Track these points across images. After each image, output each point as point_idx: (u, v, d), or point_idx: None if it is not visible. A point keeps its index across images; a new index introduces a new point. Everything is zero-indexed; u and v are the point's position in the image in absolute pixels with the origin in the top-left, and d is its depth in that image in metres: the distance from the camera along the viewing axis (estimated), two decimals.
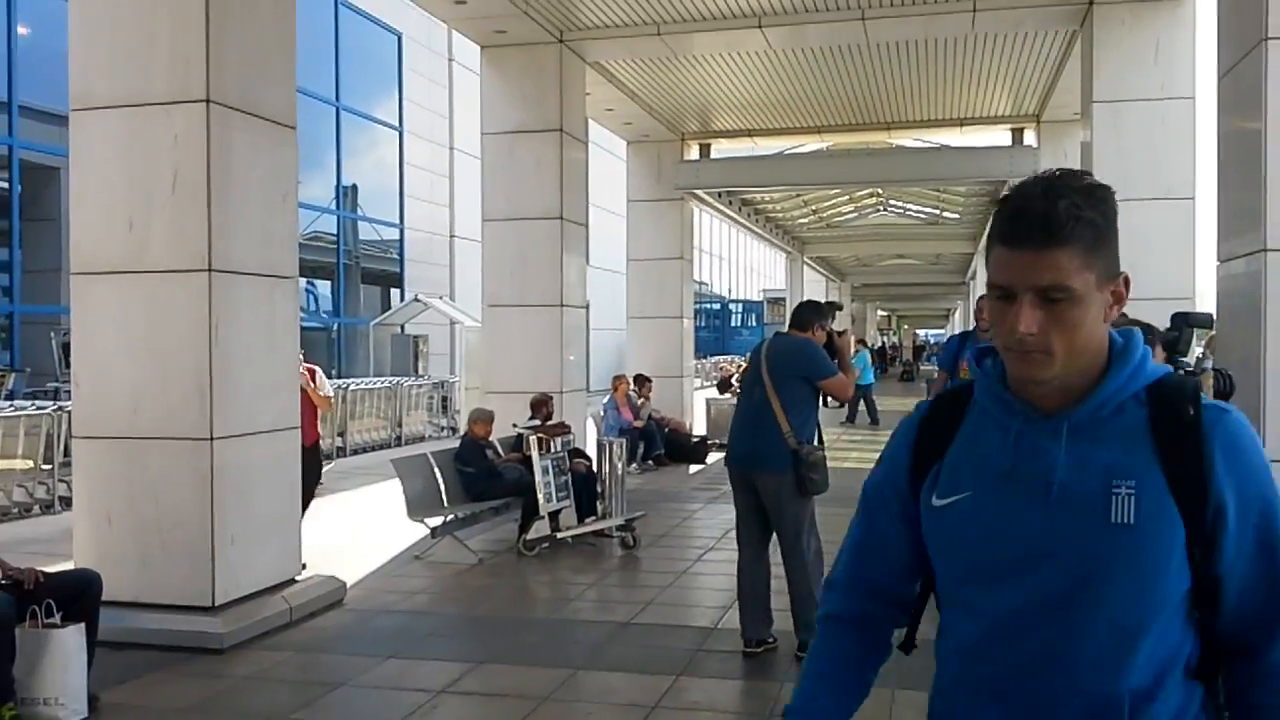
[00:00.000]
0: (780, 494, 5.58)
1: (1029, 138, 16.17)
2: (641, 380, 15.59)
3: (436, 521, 8.33)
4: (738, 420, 5.96)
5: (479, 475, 8.80)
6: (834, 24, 11.04)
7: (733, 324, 52.96)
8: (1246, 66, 5.10)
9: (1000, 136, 16.68)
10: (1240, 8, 5.28)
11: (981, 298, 7.68)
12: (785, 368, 5.72)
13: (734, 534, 5.97)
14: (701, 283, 50.84)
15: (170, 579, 6.04)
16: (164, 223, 6.06)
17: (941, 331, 67.16)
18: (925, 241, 29.96)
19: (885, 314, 74.61)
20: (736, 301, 55.85)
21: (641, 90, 14.28)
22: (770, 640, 5.78)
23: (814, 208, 24.13)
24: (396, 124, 22.76)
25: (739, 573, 5.82)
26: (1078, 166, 11.17)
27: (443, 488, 8.62)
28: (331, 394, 7.69)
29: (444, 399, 18.52)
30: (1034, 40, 12.15)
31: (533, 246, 11.40)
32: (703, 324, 50.45)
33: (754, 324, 49.97)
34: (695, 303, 47.53)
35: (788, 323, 6.09)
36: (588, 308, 28.54)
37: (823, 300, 6.98)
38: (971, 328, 7.73)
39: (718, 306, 53.73)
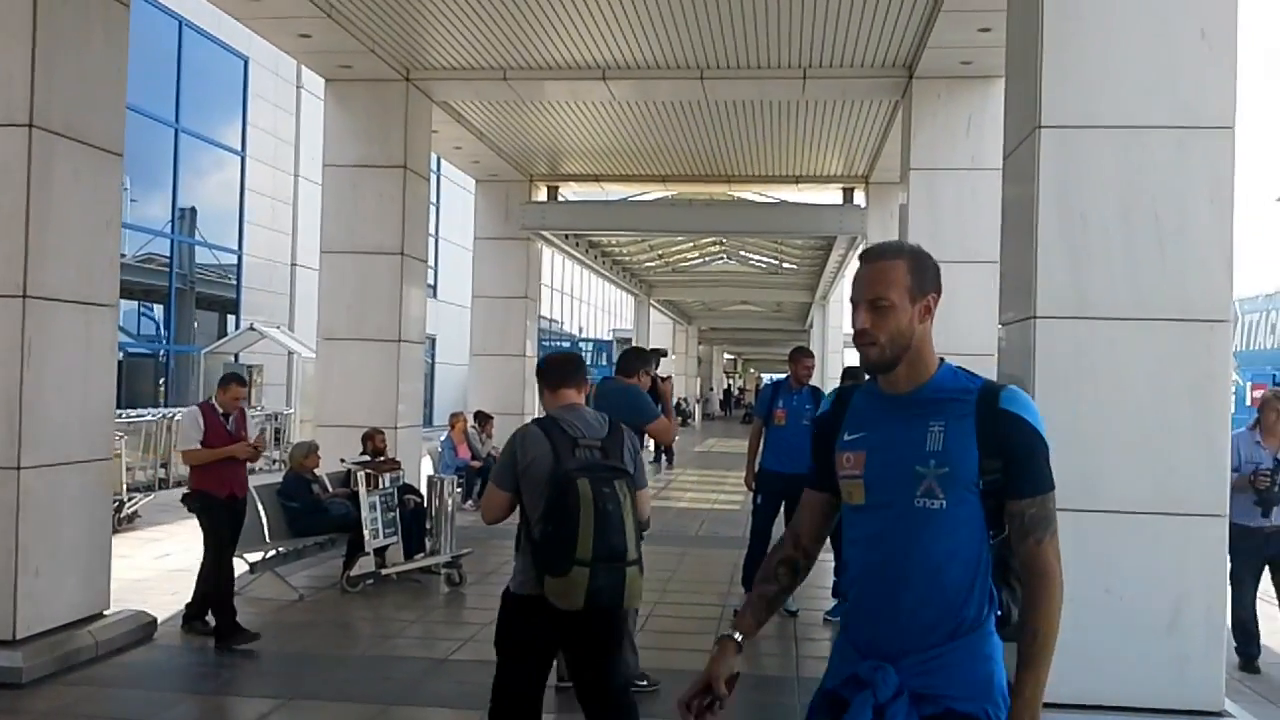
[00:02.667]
0: None
1: (859, 197, 17.03)
2: (483, 418, 15.66)
3: (256, 557, 8.23)
4: None
5: (303, 510, 8.73)
6: (675, 81, 11.49)
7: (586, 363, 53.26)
8: (1023, 150, 5.66)
9: (833, 195, 17.52)
10: (1020, 97, 5.85)
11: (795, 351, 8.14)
12: (612, 411, 5.97)
13: None
14: (552, 320, 51.11)
15: None
16: None
17: (785, 376, 68.60)
18: (767, 289, 30.98)
19: (732, 357, 76.45)
20: (587, 340, 56.27)
21: (489, 131, 14.47)
22: None
23: (660, 253, 24.71)
24: (239, 149, 22.29)
25: None
26: (898, 226, 11.93)
27: (265, 522, 8.51)
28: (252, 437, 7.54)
29: (277, 431, 18.12)
30: (862, 107, 12.91)
31: (372, 280, 11.39)
32: None
33: (604, 363, 50.50)
34: (545, 340, 47.76)
35: (615, 369, 6.36)
36: (433, 342, 28.10)
37: (648, 347, 7.30)
38: (784, 377, 8.16)
39: (568, 345, 54.04)
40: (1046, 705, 5.08)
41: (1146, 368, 5.25)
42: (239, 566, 8.28)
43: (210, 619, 6.94)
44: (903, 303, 2.31)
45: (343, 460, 9.32)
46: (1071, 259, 5.33)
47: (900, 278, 2.34)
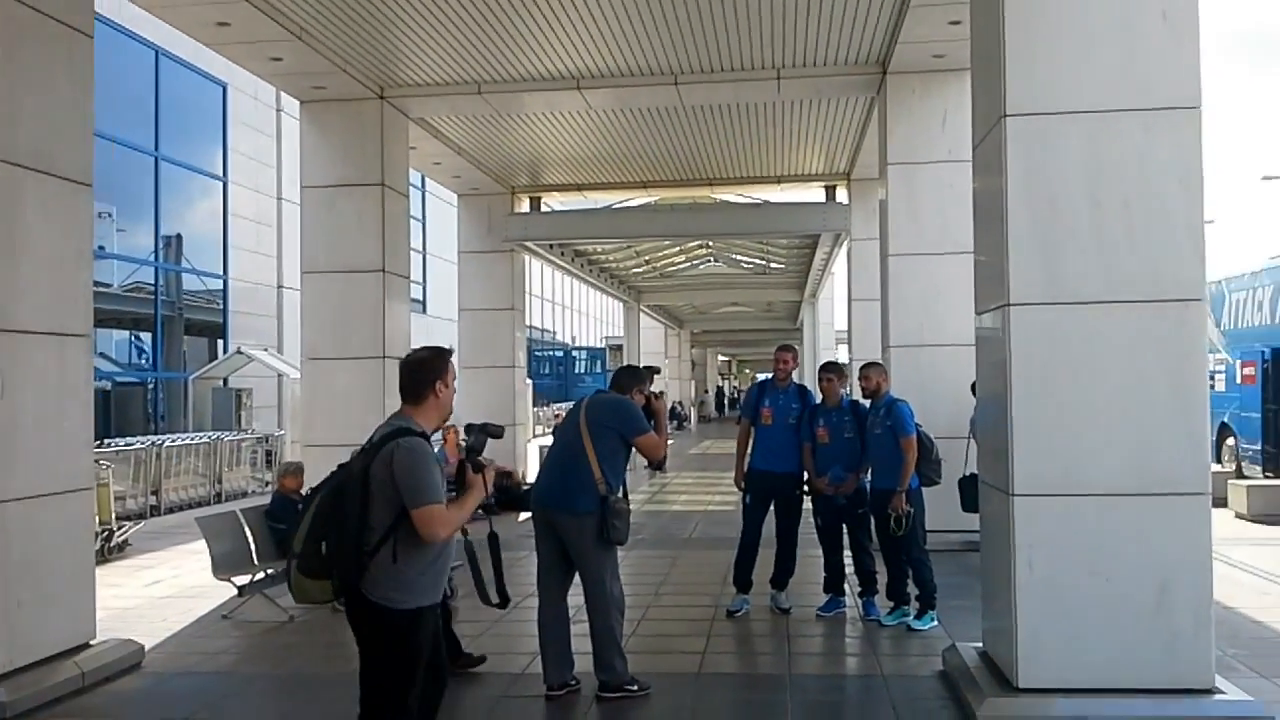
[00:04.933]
0: (584, 538, 5.77)
1: (841, 194, 17.05)
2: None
3: (245, 580, 8.19)
4: (548, 460, 6.15)
5: (291, 531, 8.67)
6: (650, 87, 11.50)
7: (576, 371, 53.29)
8: (990, 140, 5.66)
9: (815, 193, 17.54)
10: (985, 87, 5.85)
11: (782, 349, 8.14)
12: (602, 420, 5.95)
13: None
14: (545, 330, 51.13)
15: None
16: None
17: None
18: (756, 290, 30.95)
19: (726, 359, 76.43)
20: (580, 349, 56.26)
21: (468, 145, 14.47)
22: (573, 682, 5.95)
23: (647, 258, 24.69)
24: (220, 174, 22.27)
25: (540, 619, 5.98)
26: (879, 221, 11.92)
27: (253, 545, 8.48)
28: None
29: (269, 453, 18.07)
30: (839, 105, 12.92)
31: (355, 299, 11.38)
32: (546, 371, 50.65)
33: (598, 370, 50.43)
34: (537, 350, 47.79)
35: (610, 385, 6.34)
36: None
37: (641, 365, 7.32)
38: (769, 376, 8.15)
39: (560, 354, 54.00)
40: (1036, 691, 5.07)
41: (1121, 350, 5.24)
42: (227, 590, 8.27)
43: None
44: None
45: None
46: (1042, 245, 5.33)
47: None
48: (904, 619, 7.31)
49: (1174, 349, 5.21)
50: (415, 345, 14.75)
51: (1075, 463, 5.22)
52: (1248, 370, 16.29)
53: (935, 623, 7.23)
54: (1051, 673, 5.15)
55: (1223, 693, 5.04)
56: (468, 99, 11.71)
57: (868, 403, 7.68)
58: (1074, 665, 5.13)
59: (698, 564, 10.04)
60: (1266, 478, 14.97)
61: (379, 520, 3.76)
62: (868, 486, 7.59)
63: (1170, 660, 5.07)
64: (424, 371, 4.08)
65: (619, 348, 38.51)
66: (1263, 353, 15.90)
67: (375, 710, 3.96)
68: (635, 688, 5.86)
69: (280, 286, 23.40)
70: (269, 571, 8.48)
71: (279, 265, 23.37)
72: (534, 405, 35.34)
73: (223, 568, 8.18)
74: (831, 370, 7.89)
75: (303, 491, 9.09)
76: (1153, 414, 5.18)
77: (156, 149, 20.21)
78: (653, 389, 6.38)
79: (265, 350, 20.68)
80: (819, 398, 7.84)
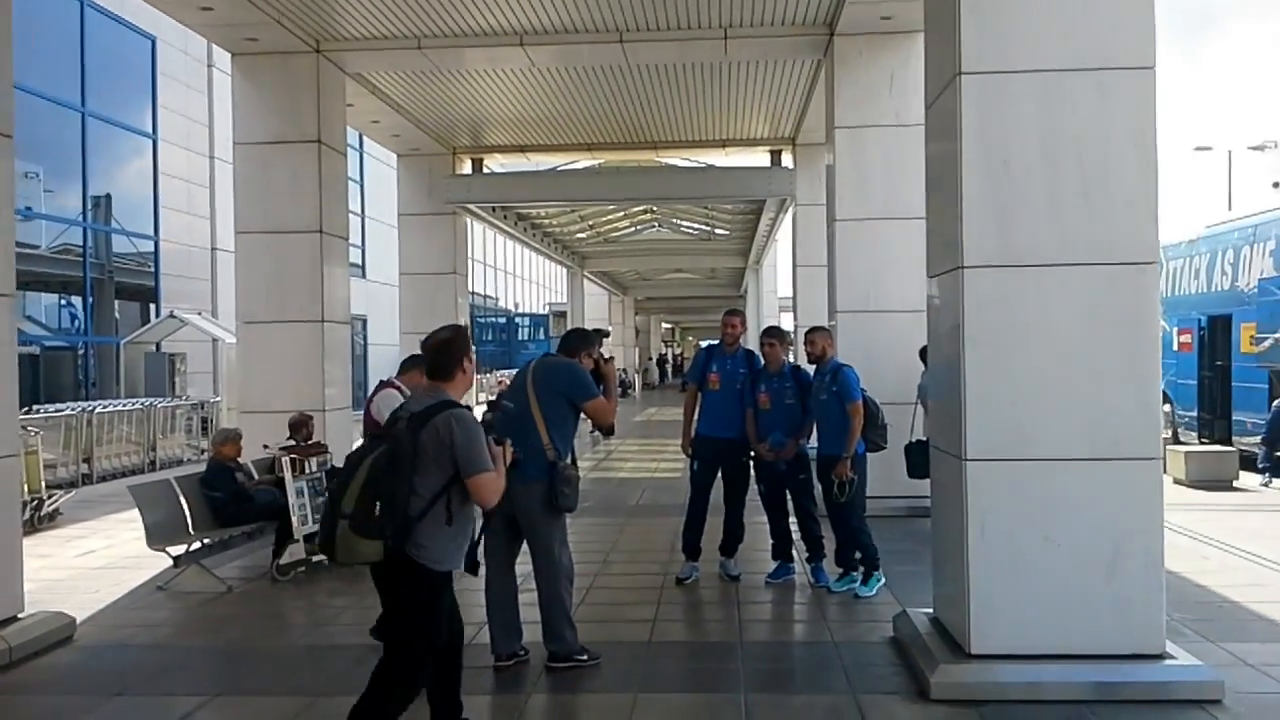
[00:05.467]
0: (532, 506, 5.63)
1: (786, 159, 16.96)
2: None
3: (180, 550, 7.95)
4: None
5: (227, 499, 8.44)
6: (595, 45, 11.26)
7: (520, 338, 52.85)
8: (944, 99, 5.56)
9: (761, 158, 17.44)
10: (939, 45, 5.74)
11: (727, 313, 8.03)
12: (550, 384, 5.79)
13: None
14: (487, 296, 50.61)
15: None
16: None
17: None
18: (700, 256, 30.90)
19: (670, 326, 76.46)
20: (523, 315, 55.78)
21: (408, 103, 14.11)
22: (521, 652, 5.84)
23: (591, 223, 24.48)
24: (150, 132, 21.55)
25: (487, 589, 5.84)
26: (825, 186, 11.84)
27: (188, 514, 8.23)
28: None
29: (204, 420, 17.65)
30: (785, 67, 12.78)
31: (291, 260, 11.08)
32: (489, 338, 50.18)
33: (542, 337, 50.06)
34: (480, 316, 47.26)
35: (558, 348, 6.17)
36: (364, 323, 27.68)
37: (591, 328, 7.14)
38: (717, 342, 8.03)
39: (503, 320, 53.51)
40: (989, 657, 5.06)
41: (1075, 313, 5.21)
42: (162, 561, 8.02)
43: None
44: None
45: (266, 447, 9.03)
46: (996, 207, 5.26)
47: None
48: (852, 585, 7.29)
49: (1128, 313, 5.18)
50: (355, 310, 14.51)
51: (1028, 427, 5.19)
52: (1184, 338, 16.56)
53: (883, 581, 7.25)
54: (1004, 638, 5.14)
55: (1173, 658, 5.06)
56: (407, 54, 11.39)
57: (812, 368, 7.62)
58: (1027, 631, 5.12)
59: (646, 531, 9.96)
60: (1203, 443, 15.26)
61: (425, 486, 3.99)
62: (810, 452, 7.54)
63: (1122, 626, 5.08)
64: (450, 350, 4.31)
65: (563, 314, 38.24)
66: (1199, 320, 16.16)
67: (400, 666, 4.15)
68: (585, 657, 5.76)
69: (214, 249, 22.80)
70: (205, 541, 8.25)
71: (213, 227, 22.75)
72: (477, 372, 35.12)
73: (157, 538, 7.93)
74: (774, 335, 7.74)
75: (240, 459, 8.85)
76: (1106, 378, 5.16)
77: (83, 105, 19.48)
78: (602, 352, 6.24)
79: (199, 314, 20.14)
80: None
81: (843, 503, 7.16)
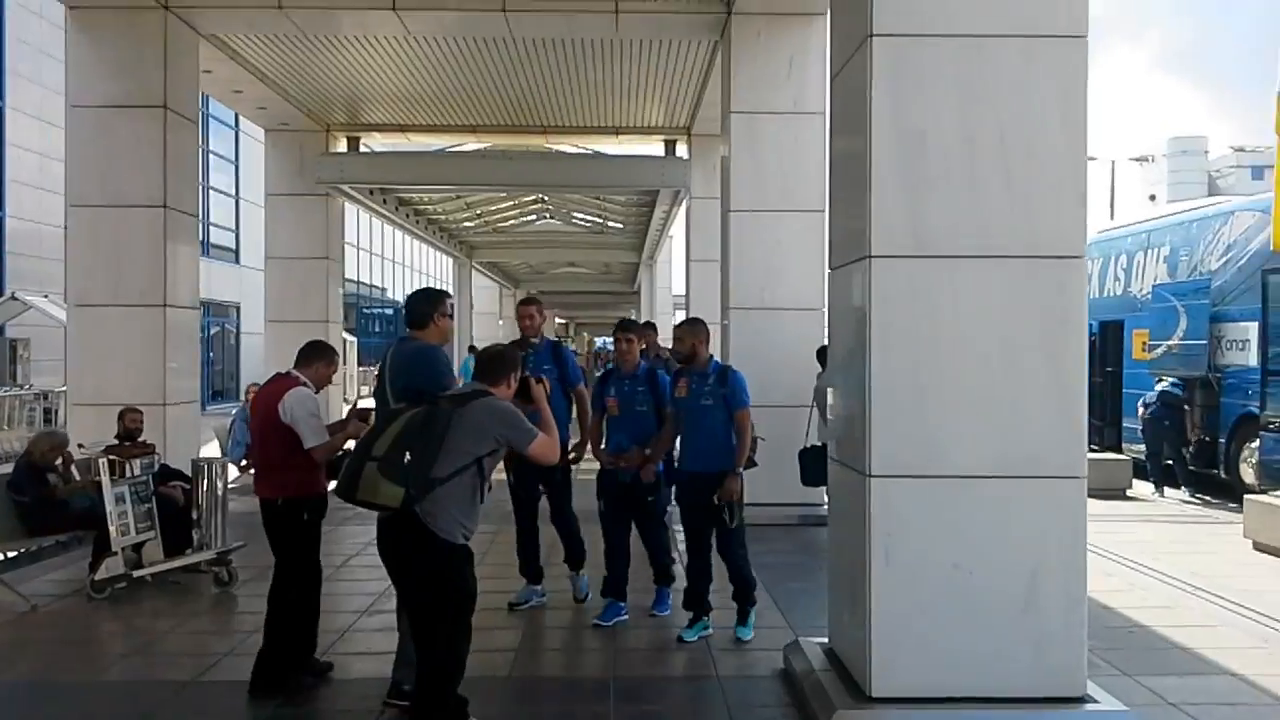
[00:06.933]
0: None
1: (681, 150, 16.32)
2: None
3: None
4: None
5: (34, 505, 7.38)
6: (474, 13, 10.42)
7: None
8: (854, 64, 4.91)
9: (655, 148, 16.77)
10: (847, 7, 5.10)
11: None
12: (403, 380, 4.85)
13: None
14: (375, 286, 48.95)
15: None
16: None
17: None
18: (593, 250, 30.06)
19: (564, 321, 75.55)
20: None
21: (273, 72, 13.00)
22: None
23: (479, 211, 23.44)
24: None
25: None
26: (720, 178, 11.23)
27: None
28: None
29: (48, 411, 16.21)
30: (680, 49, 12.10)
31: (130, 238, 10.00)
32: (376, 329, 48.54)
33: None
34: (366, 308, 45.65)
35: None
36: (237, 310, 26.12)
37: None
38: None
39: (390, 312, 51.87)
40: (892, 700, 4.42)
41: (992, 312, 4.60)
42: None
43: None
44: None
45: (80, 446, 7.97)
46: (909, 188, 4.61)
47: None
48: (704, 632, 6.18)
49: (1050, 313, 4.58)
50: (217, 295, 13.52)
51: (937, 439, 4.56)
52: None
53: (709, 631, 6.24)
54: (910, 679, 4.50)
55: (1095, 701, 4.48)
56: (267, 14, 10.35)
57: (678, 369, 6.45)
58: (934, 670, 4.49)
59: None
60: (1092, 450, 15.11)
61: (449, 459, 4.12)
62: (661, 469, 6.44)
63: (1039, 664, 4.49)
64: (504, 364, 4.53)
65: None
66: (1091, 326, 16.01)
67: (444, 639, 4.25)
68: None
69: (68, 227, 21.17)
70: (7, 554, 7.19)
71: (66, 203, 21.12)
72: (359, 365, 33.64)
73: None
74: (629, 330, 6.65)
75: (58, 464, 7.78)
76: (1025, 386, 4.56)
77: None
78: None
79: (45, 296, 18.56)
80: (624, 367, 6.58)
81: (733, 529, 6.03)
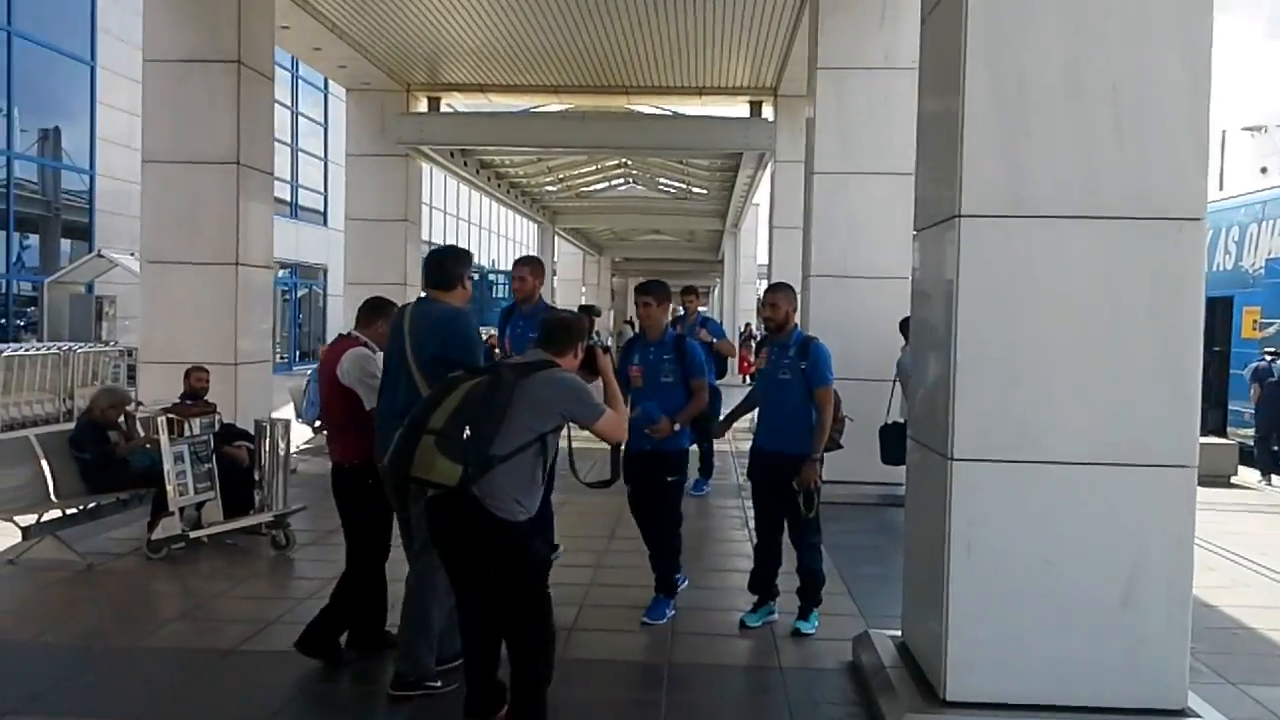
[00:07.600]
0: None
1: (767, 111, 15.79)
2: None
3: (31, 519, 6.82)
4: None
5: (95, 462, 7.32)
6: None
7: (495, 295, 51.50)
8: (947, 1, 4.43)
9: (741, 109, 16.25)
10: None
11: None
12: (432, 348, 4.58)
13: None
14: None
15: None
16: None
17: (704, 310, 68.36)
18: (677, 217, 29.57)
19: None
20: (496, 272, 54.39)
21: (353, 29, 12.82)
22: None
23: (561, 176, 23.15)
24: (89, 58, 20.08)
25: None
26: (805, 139, 10.70)
27: (50, 477, 7.10)
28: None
29: (131, 368, 16.41)
30: (767, 2, 11.57)
31: (203, 194, 9.90)
32: None
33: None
34: None
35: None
36: (325, 272, 26.32)
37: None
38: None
39: (476, 277, 52.08)
40: (968, 705, 4.01)
41: (1097, 279, 4.10)
42: (9, 531, 6.91)
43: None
44: None
45: (139, 404, 7.88)
46: (1006, 138, 4.13)
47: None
48: (769, 618, 5.79)
49: (1164, 281, 4.07)
50: (307, 257, 13.50)
51: (1032, 421, 4.09)
52: None
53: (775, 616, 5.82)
54: (988, 683, 4.07)
55: (1197, 715, 4.00)
56: None
57: (765, 334, 6.09)
58: (1016, 674, 4.05)
59: (584, 513, 8.82)
60: None
61: (510, 436, 3.84)
62: (685, 442, 5.95)
63: (1135, 672, 4.02)
64: (571, 332, 4.23)
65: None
66: None
67: (529, 609, 4.00)
68: (438, 685, 4.62)
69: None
70: (67, 511, 7.14)
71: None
72: None
73: (5, 503, 6.81)
74: (650, 292, 5.99)
75: (121, 421, 7.72)
76: (1132, 363, 4.07)
77: (9, 23, 18.02)
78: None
79: (131, 254, 18.80)
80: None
81: (809, 518, 5.54)
